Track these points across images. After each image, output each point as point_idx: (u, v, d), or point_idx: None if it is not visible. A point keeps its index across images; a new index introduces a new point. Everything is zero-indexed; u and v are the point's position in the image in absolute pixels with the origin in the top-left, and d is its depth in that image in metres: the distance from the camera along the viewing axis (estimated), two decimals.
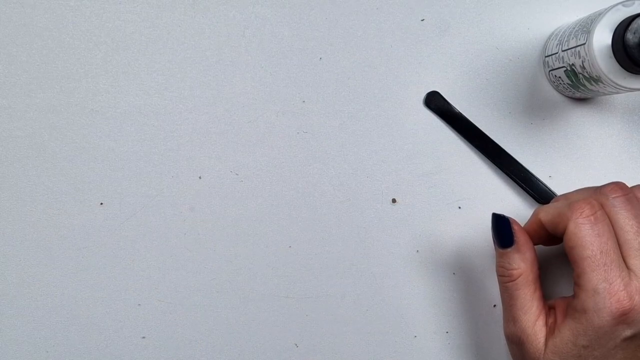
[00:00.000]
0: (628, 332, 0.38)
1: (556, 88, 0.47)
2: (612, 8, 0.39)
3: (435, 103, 0.47)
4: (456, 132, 0.47)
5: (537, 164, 0.47)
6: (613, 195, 0.39)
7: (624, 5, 0.38)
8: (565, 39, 0.43)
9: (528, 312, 0.41)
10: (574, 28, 0.42)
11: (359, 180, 0.47)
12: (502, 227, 0.42)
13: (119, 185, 0.47)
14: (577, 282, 0.39)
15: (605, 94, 0.44)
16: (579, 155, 0.47)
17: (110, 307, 0.47)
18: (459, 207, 0.47)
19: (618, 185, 0.40)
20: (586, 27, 0.40)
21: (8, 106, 0.47)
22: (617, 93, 0.42)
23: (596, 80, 0.40)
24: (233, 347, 0.47)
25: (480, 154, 0.47)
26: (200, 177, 0.47)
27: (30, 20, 0.47)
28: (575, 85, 0.44)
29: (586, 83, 0.42)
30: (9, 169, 0.47)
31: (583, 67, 0.40)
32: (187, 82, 0.47)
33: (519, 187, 0.47)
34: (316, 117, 0.47)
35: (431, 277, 0.47)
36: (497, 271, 0.42)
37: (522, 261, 0.41)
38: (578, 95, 0.46)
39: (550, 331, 0.40)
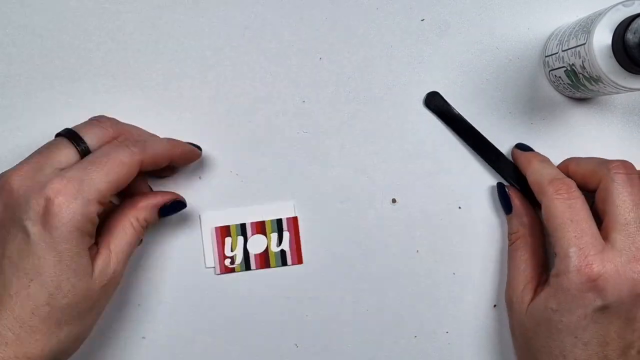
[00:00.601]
0: (599, 302, 0.38)
1: (556, 88, 0.47)
2: (612, 8, 0.39)
3: (435, 103, 0.47)
4: (455, 134, 0.47)
5: None
6: (615, 171, 0.41)
7: (624, 5, 0.38)
8: (565, 39, 0.43)
9: (521, 275, 0.43)
10: (574, 28, 0.42)
11: (359, 180, 0.47)
12: (501, 194, 0.46)
13: None
14: (555, 252, 0.40)
15: (605, 94, 0.44)
16: (578, 155, 0.47)
17: (110, 307, 0.47)
18: (459, 207, 0.47)
19: (624, 164, 0.41)
20: (586, 27, 0.40)
21: (8, 106, 0.47)
22: (617, 93, 0.42)
23: (596, 80, 0.40)
24: (233, 347, 0.47)
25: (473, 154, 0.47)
26: (200, 178, 0.47)
27: (30, 20, 0.47)
28: (575, 85, 0.44)
29: (586, 83, 0.42)
30: None
31: (583, 67, 0.40)
32: (187, 82, 0.47)
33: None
34: (316, 117, 0.47)
35: (431, 277, 0.47)
36: (511, 230, 0.46)
37: (520, 225, 0.45)
38: (578, 95, 0.46)
39: (537, 293, 0.41)
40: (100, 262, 0.39)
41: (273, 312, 0.47)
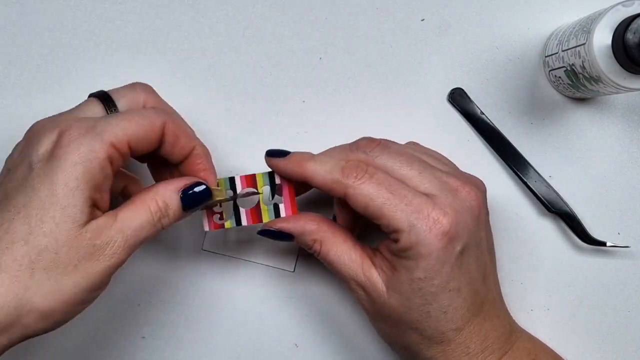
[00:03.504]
0: (458, 247, 0.38)
1: (556, 88, 0.47)
2: (612, 8, 0.39)
3: (460, 102, 0.47)
4: (478, 134, 0.47)
5: (537, 164, 0.47)
6: (369, 150, 0.40)
7: (624, 5, 0.38)
8: (565, 39, 0.43)
9: (353, 264, 0.41)
10: (574, 28, 0.42)
11: None
12: (272, 235, 0.42)
13: None
14: (391, 231, 0.39)
15: (605, 94, 0.44)
16: (579, 155, 0.47)
17: (110, 307, 0.47)
18: None
19: (368, 140, 0.41)
20: (586, 27, 0.40)
21: (8, 106, 0.47)
22: (617, 93, 0.42)
23: (596, 80, 0.40)
24: (233, 347, 0.47)
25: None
26: None
27: (30, 20, 0.47)
28: (575, 85, 0.44)
29: (586, 83, 0.42)
30: None
31: (583, 67, 0.40)
32: (187, 82, 0.47)
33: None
34: (316, 117, 0.47)
35: None
36: (307, 248, 0.42)
37: (312, 235, 0.41)
38: (578, 95, 0.46)
39: (385, 273, 0.40)
40: (99, 220, 0.36)
41: (273, 312, 0.47)
